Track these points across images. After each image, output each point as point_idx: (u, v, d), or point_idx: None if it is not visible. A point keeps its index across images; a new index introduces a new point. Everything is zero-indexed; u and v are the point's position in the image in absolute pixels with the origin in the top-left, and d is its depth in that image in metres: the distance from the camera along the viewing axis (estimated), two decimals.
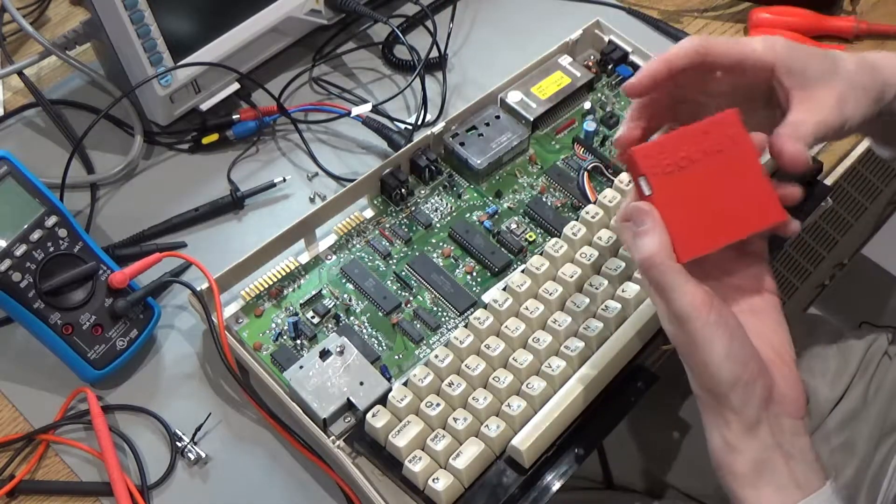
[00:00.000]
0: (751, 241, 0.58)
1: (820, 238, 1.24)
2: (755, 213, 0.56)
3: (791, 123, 0.57)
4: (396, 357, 0.70)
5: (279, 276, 0.73)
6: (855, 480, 0.79)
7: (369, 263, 0.75)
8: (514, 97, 0.82)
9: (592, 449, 0.64)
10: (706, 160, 0.55)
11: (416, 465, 0.61)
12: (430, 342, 0.71)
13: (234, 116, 0.85)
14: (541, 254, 0.72)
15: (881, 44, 0.95)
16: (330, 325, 0.71)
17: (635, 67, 0.86)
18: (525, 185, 0.80)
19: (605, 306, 0.68)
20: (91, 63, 0.86)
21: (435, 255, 0.75)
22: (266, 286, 0.72)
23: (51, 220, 0.68)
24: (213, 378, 0.72)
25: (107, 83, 0.85)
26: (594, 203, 0.74)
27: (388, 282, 0.73)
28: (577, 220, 0.74)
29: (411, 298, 0.73)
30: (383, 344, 0.70)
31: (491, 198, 0.79)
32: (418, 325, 0.71)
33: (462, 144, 0.80)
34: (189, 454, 0.67)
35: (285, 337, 0.70)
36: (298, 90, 0.91)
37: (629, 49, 0.87)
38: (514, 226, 0.77)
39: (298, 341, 0.70)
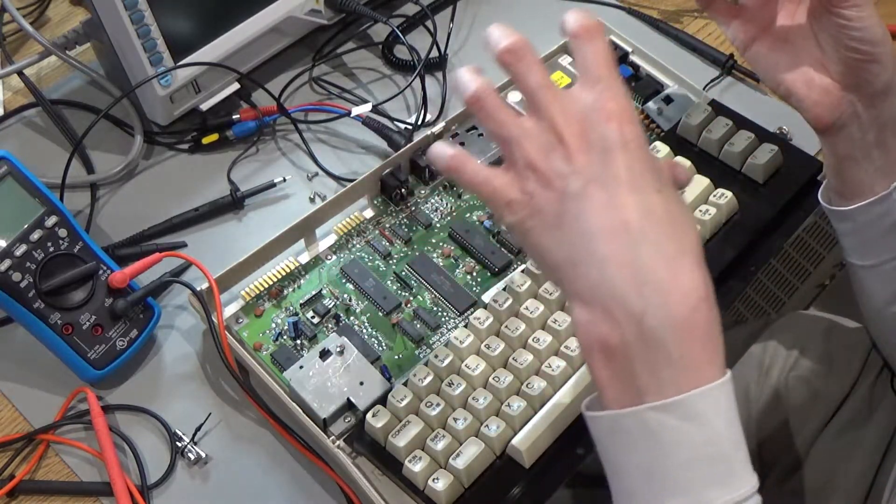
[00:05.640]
0: None
1: (820, 238, 1.23)
2: None
3: None
4: (396, 357, 0.70)
5: (279, 276, 0.73)
6: (862, 479, 0.79)
7: (369, 263, 0.75)
8: (514, 97, 0.82)
9: (593, 449, 0.64)
10: None
11: (416, 465, 0.61)
12: (430, 342, 0.71)
13: (234, 116, 0.85)
14: None
15: None
16: (330, 325, 0.71)
17: (635, 67, 0.86)
18: None
19: None
20: (91, 63, 0.86)
21: (435, 255, 0.75)
22: (266, 286, 0.72)
23: (51, 220, 0.68)
24: (213, 378, 0.72)
25: (107, 83, 0.85)
26: None
27: (388, 282, 0.73)
28: None
29: (411, 298, 0.73)
30: (383, 344, 0.70)
31: None
32: (418, 325, 0.71)
33: (462, 144, 0.79)
34: (189, 454, 0.67)
35: (285, 337, 0.70)
36: (298, 90, 0.91)
37: (629, 49, 0.87)
38: None
39: (298, 341, 0.70)
